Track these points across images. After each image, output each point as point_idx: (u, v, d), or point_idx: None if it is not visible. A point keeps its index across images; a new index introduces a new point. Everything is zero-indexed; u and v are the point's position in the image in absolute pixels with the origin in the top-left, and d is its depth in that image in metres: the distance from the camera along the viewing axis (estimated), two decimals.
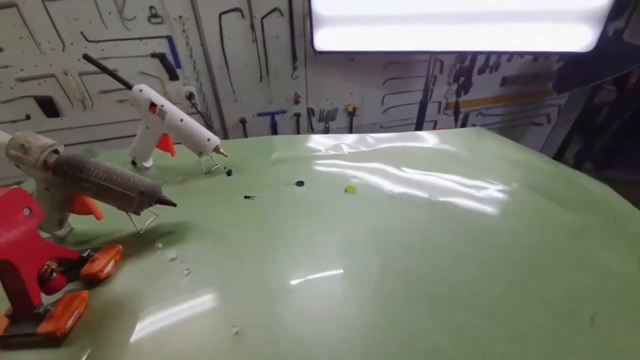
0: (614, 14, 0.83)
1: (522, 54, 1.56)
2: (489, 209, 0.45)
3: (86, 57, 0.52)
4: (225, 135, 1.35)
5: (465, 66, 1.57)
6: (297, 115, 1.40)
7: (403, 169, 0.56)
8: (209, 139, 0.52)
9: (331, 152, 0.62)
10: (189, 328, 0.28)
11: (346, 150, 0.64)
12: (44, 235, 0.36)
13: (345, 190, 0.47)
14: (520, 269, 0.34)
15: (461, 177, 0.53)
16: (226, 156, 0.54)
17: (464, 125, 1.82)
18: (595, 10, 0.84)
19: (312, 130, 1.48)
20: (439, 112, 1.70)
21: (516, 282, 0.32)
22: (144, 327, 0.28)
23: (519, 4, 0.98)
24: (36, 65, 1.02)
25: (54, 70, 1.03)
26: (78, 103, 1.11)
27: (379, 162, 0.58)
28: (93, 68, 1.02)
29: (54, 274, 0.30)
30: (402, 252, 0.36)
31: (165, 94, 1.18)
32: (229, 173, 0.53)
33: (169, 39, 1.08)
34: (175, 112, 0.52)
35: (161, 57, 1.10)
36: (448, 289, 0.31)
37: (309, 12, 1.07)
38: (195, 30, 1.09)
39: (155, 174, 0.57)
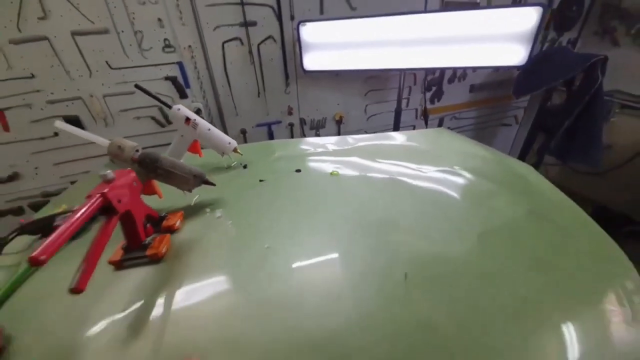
0: (538, 36, 1.06)
1: (471, 69, 1.80)
2: (432, 184, 0.64)
3: (137, 86, 0.71)
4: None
5: (435, 77, 1.81)
6: (291, 124, 1.60)
7: (377, 159, 0.75)
8: (229, 142, 0.71)
9: (319, 150, 0.81)
10: (234, 248, 0.45)
11: (331, 148, 0.83)
12: None
13: (331, 174, 0.65)
14: (451, 221, 0.53)
15: (416, 164, 0.72)
16: (242, 155, 0.73)
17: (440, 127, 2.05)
18: (523, 34, 1.07)
19: (304, 136, 1.67)
20: (416, 117, 1.92)
21: (451, 230, 0.51)
22: (204, 254, 0.45)
23: (466, 31, 1.22)
24: (65, 90, 1.19)
25: (81, 93, 1.21)
26: (101, 120, 1.28)
27: (356, 156, 0.77)
28: (115, 91, 1.23)
29: (148, 226, 0.47)
30: (371, 213, 0.55)
31: None
32: (245, 167, 0.71)
33: (180, 64, 1.27)
34: (204, 124, 0.71)
35: (173, 80, 1.29)
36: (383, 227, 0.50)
37: (298, 40, 1.29)
38: (202, 57, 1.29)
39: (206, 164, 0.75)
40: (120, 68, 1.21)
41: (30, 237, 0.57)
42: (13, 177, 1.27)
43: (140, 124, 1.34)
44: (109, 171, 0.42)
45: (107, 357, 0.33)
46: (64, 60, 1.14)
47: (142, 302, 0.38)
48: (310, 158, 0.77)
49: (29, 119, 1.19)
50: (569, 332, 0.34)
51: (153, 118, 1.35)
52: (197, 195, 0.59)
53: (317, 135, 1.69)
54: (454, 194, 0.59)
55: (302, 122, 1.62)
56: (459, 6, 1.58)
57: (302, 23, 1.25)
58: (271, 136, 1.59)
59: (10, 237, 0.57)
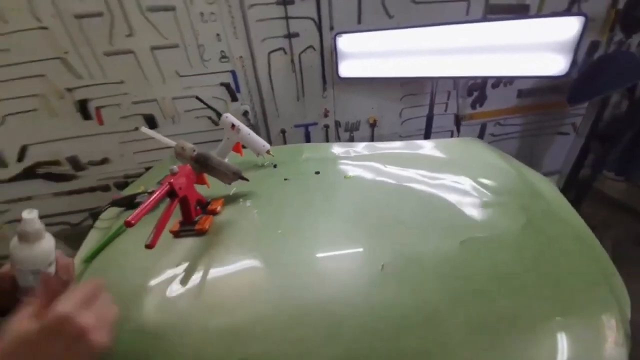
0: (580, 46, 1.02)
1: (508, 78, 1.71)
2: (440, 192, 0.70)
3: (197, 98, 0.89)
4: (269, 142, 1.71)
5: (477, 82, 1.77)
6: (326, 126, 1.72)
7: (393, 166, 0.83)
8: (264, 145, 0.86)
9: (343, 154, 0.92)
10: (256, 231, 0.59)
11: (353, 153, 0.93)
12: None
13: (344, 177, 0.76)
14: (447, 231, 0.60)
15: (432, 172, 0.78)
16: (273, 156, 0.87)
17: (481, 134, 1.98)
18: (564, 43, 1.04)
19: (338, 139, 1.79)
20: (454, 123, 1.90)
21: (441, 235, 0.59)
22: (236, 233, 0.60)
23: (506, 40, 1.20)
24: (145, 93, 1.47)
25: (156, 96, 1.48)
26: (169, 119, 1.55)
27: (375, 161, 0.86)
28: (182, 94, 1.45)
29: (197, 208, 0.64)
30: (371, 213, 0.65)
31: (228, 112, 1.58)
32: (275, 166, 0.86)
33: (233, 72, 1.48)
34: (245, 129, 0.87)
35: (226, 86, 1.50)
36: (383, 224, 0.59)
37: (334, 49, 1.40)
38: (251, 65, 1.47)
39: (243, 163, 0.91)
40: (186, 76, 1.45)
41: (118, 209, 0.79)
42: (104, 161, 1.61)
43: (199, 123, 1.58)
44: (174, 167, 0.59)
45: (162, 301, 0.49)
46: (144, 70, 1.41)
47: (188, 262, 0.54)
48: (333, 161, 0.88)
49: (118, 116, 1.50)
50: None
51: (209, 118, 1.58)
52: (235, 187, 0.75)
53: (351, 137, 1.79)
54: (460, 203, 0.64)
55: (337, 124, 1.73)
56: (505, 11, 1.52)
57: (338, 35, 1.36)
58: (308, 136, 1.74)
59: (105, 208, 0.80)
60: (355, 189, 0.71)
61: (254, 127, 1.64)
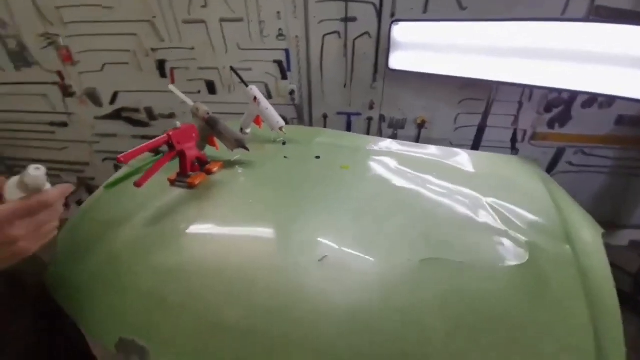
0: None
1: (609, 98, 1.35)
2: (440, 203, 0.63)
3: (232, 68, 0.95)
4: (310, 125, 1.74)
5: (560, 97, 1.47)
6: (370, 119, 1.66)
7: (400, 166, 0.77)
8: (278, 122, 0.88)
9: (357, 146, 0.89)
10: (235, 196, 0.63)
11: (371, 147, 0.89)
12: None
13: (341, 167, 0.74)
14: (426, 246, 0.55)
15: (442, 181, 0.71)
16: (285, 133, 0.89)
17: (555, 160, 1.67)
18: None
19: (380, 134, 1.71)
20: (522, 140, 1.63)
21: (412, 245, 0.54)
22: (219, 194, 0.65)
23: (612, 48, 0.96)
24: (210, 61, 1.63)
25: (218, 65, 1.63)
26: (226, 87, 1.69)
27: (388, 157, 0.81)
28: (239, 66, 1.55)
29: (195, 164, 0.70)
30: (350, 207, 0.62)
31: (277, 89, 1.65)
32: (284, 143, 0.88)
33: (287, 51, 1.52)
34: (265, 103, 0.90)
35: (279, 63, 1.56)
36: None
37: (388, 37, 1.32)
38: (305, 46, 1.50)
39: (248, 137, 0.97)
40: (245, 49, 1.56)
41: (150, 154, 0.91)
42: (171, 115, 1.86)
43: None
44: (178, 122, 0.65)
45: (131, 229, 0.56)
46: (212, 39, 1.56)
47: (174, 209, 0.60)
48: (342, 150, 0.86)
49: (186, 78, 1.70)
50: None
51: None
52: (239, 155, 0.79)
53: (394, 134, 1.70)
54: (460, 221, 0.57)
55: (382, 118, 1.66)
56: (614, 15, 1.21)
57: (395, 22, 1.27)
58: (349, 126, 1.71)
59: None
60: (347, 181, 0.69)
61: (298, 108, 1.68)
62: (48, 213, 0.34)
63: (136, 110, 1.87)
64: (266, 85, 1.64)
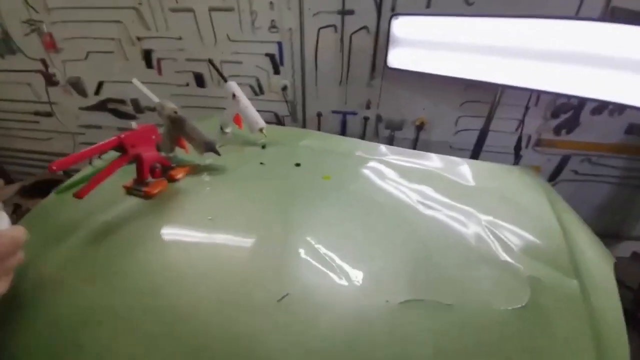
0: None
1: (620, 106, 1.24)
2: (428, 221, 0.55)
3: (210, 61, 0.87)
4: (303, 123, 1.66)
5: (569, 102, 1.38)
6: (366, 118, 1.57)
7: (389, 177, 0.69)
8: (257, 122, 0.80)
9: (346, 151, 0.80)
10: (194, 210, 0.55)
11: (360, 153, 0.80)
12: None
13: (322, 177, 0.66)
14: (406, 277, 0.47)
15: (436, 194, 0.63)
16: (266, 136, 0.81)
17: (560, 168, 1.58)
18: None
19: (377, 134, 1.62)
20: (526, 146, 1.54)
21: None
22: (179, 205, 0.57)
23: (628, 52, 0.87)
24: (198, 52, 1.54)
25: (206, 56, 1.53)
26: (216, 81, 1.60)
27: (380, 165, 0.72)
28: (229, 59, 1.45)
29: (156, 170, 0.62)
30: (319, 218, 0.54)
31: (269, 84, 1.56)
32: (263, 147, 0.80)
33: (279, 44, 1.43)
34: (244, 102, 0.82)
35: (271, 57, 1.47)
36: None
37: (387, 32, 1.22)
38: (298, 39, 1.40)
39: (226, 137, 0.88)
40: (235, 41, 1.46)
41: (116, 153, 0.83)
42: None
43: (242, 89, 1.60)
44: (134, 123, 0.57)
45: (78, 261, 0.48)
46: (201, 29, 1.47)
47: (120, 227, 0.52)
48: (327, 156, 0.77)
49: (173, 70, 1.61)
50: None
51: (251, 87, 1.58)
52: (211, 159, 0.71)
53: (392, 135, 1.61)
54: (451, 246, 0.50)
55: (378, 118, 1.57)
56: (633, 17, 1.11)
57: (395, 16, 1.17)
58: (344, 125, 1.62)
59: None
60: (326, 195, 0.61)
61: (291, 105, 1.60)
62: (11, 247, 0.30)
63: (122, 102, 1.79)
64: (257, 80, 1.55)
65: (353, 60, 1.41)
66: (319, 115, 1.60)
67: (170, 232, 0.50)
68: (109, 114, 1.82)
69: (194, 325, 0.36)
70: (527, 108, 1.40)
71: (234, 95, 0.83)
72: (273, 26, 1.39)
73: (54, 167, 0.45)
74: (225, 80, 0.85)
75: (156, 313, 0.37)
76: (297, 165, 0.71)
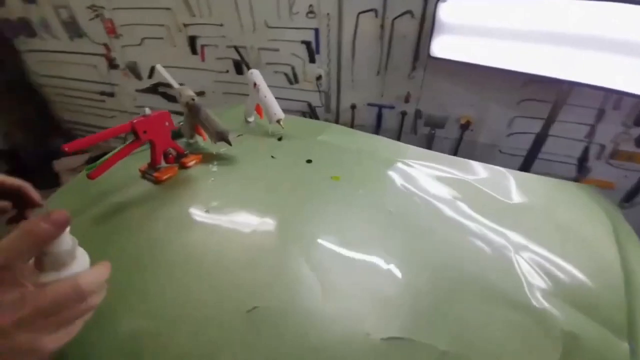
0: None
1: None
2: (458, 243, 0.47)
3: (235, 48, 0.85)
4: (337, 115, 1.60)
5: None
6: (404, 113, 1.46)
7: (409, 184, 0.61)
8: (275, 113, 0.77)
9: (369, 149, 0.73)
10: (198, 200, 0.54)
11: (379, 154, 0.73)
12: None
13: (331, 178, 0.61)
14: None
15: (456, 206, 0.54)
16: (283, 128, 0.78)
17: (638, 189, 1.30)
18: None
19: (415, 131, 1.50)
20: (597, 157, 1.30)
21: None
22: (185, 192, 0.57)
23: None
24: (238, 39, 1.55)
25: (245, 43, 1.54)
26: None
27: (396, 169, 0.65)
28: (266, 46, 1.44)
29: (170, 156, 0.63)
30: (329, 232, 0.50)
31: (304, 72, 1.52)
32: (279, 139, 0.77)
33: (316, 31, 1.37)
34: (264, 91, 0.79)
35: (307, 44, 1.42)
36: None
37: (432, 16, 1.09)
38: (336, 26, 1.33)
39: (249, 127, 0.87)
40: (273, 27, 1.44)
41: None
42: (200, 94, 1.85)
43: (277, 78, 1.59)
44: (147, 109, 0.58)
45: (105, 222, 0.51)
46: (241, 15, 1.47)
47: (124, 210, 0.54)
48: (343, 153, 0.72)
49: (215, 56, 1.65)
50: None
51: (286, 75, 1.56)
52: (223, 149, 0.70)
53: (432, 134, 1.47)
54: (467, 279, 0.41)
55: (418, 114, 1.44)
56: None
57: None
58: (379, 119, 1.52)
59: None
60: (332, 197, 0.56)
61: (325, 95, 1.54)
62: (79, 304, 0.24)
63: (170, 86, 1.90)
64: (292, 68, 1.52)
65: (394, 48, 1.30)
66: (353, 107, 1.53)
67: (164, 220, 0.50)
68: (160, 97, 1.96)
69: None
70: (601, 111, 1.16)
71: (255, 84, 0.80)
72: (311, 11, 1.33)
73: (66, 149, 0.47)
74: (249, 68, 0.83)
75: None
76: (309, 161, 0.66)
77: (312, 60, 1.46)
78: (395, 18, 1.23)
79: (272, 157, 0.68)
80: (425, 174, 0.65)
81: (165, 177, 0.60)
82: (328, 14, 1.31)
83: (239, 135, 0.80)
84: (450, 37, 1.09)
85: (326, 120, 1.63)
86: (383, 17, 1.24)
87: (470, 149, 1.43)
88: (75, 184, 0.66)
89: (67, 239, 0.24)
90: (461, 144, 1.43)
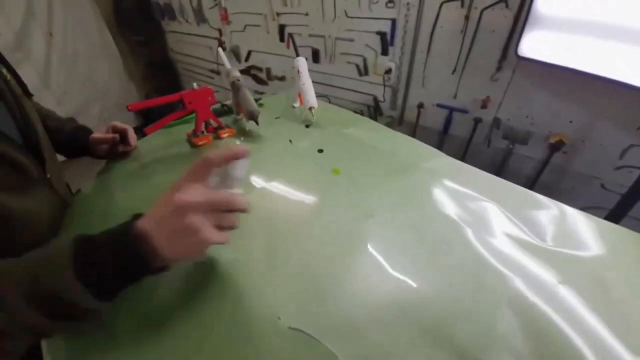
0: None
1: None
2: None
3: (290, 35, 0.91)
4: (401, 113, 1.51)
5: None
6: (478, 120, 1.27)
7: (411, 192, 0.56)
8: (308, 101, 0.80)
9: (402, 150, 0.69)
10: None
11: (407, 159, 0.68)
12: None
13: (332, 171, 0.61)
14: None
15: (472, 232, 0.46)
16: (313, 116, 0.80)
17: None
18: None
19: (488, 143, 1.29)
20: None
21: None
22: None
23: None
24: (319, 28, 1.62)
25: (324, 32, 1.60)
26: (328, 57, 1.66)
27: (420, 176, 0.60)
28: (343, 36, 1.47)
29: (210, 126, 0.75)
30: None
31: (374, 65, 1.49)
32: (307, 126, 0.80)
33: (393, 21, 1.31)
34: (304, 79, 0.82)
35: (382, 35, 1.37)
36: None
37: (528, 8, 0.89)
38: (415, 16, 1.24)
39: (293, 111, 0.92)
40: (352, 17, 1.44)
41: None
42: (282, 79, 2.02)
43: (348, 69, 1.60)
44: (195, 84, 0.70)
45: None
46: (324, 4, 1.52)
47: (167, 159, 0.68)
48: (362, 153, 0.68)
49: (297, 44, 1.77)
50: None
51: (357, 66, 1.55)
52: (259, 127, 0.78)
53: (510, 149, 1.24)
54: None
55: (496, 123, 1.23)
56: None
57: None
58: (448, 124, 1.37)
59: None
60: (322, 188, 0.56)
61: (393, 90, 1.48)
62: (230, 216, 0.32)
63: (260, 69, 2.14)
64: (364, 60, 1.50)
65: (477, 43, 1.13)
66: (420, 106, 1.41)
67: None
68: (250, 79, 2.23)
69: None
70: None
71: (298, 71, 0.85)
72: (390, 0, 1.27)
73: (129, 108, 0.62)
74: (298, 55, 0.88)
75: None
76: (320, 151, 0.68)
77: (384, 52, 1.41)
78: (485, 8, 1.06)
79: (290, 141, 0.72)
80: (443, 187, 0.56)
81: (200, 143, 0.72)
82: (408, 3, 1.23)
83: (276, 118, 0.87)
84: (549, 33, 0.88)
85: (389, 117, 1.56)
86: (470, 6, 1.09)
87: (558, 175, 1.15)
88: (150, 137, 0.85)
89: (239, 170, 0.33)
90: (546, 167, 1.16)
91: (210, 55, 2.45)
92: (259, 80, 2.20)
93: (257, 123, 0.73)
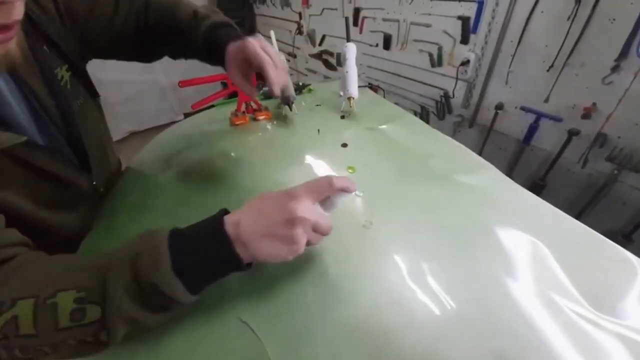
0: None
1: None
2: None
3: (346, 18, 0.86)
4: (475, 113, 1.31)
5: None
6: (575, 133, 1.01)
7: (423, 203, 0.48)
8: (348, 90, 0.75)
9: (415, 151, 0.61)
10: (246, 152, 0.66)
11: (434, 158, 0.59)
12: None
13: (347, 168, 0.57)
14: None
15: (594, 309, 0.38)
16: (351, 106, 0.75)
17: None
18: None
19: (584, 164, 1.02)
20: None
21: None
22: (245, 141, 0.70)
23: None
24: (394, 12, 1.49)
25: (399, 16, 1.47)
26: (400, 44, 1.53)
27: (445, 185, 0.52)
28: (419, 21, 1.37)
29: (249, 107, 0.78)
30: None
31: (450, 54, 1.31)
32: (342, 117, 0.76)
33: (480, 3, 1.11)
34: (348, 67, 0.77)
35: (464, 20, 1.19)
36: None
37: None
38: None
39: (338, 100, 0.88)
40: None
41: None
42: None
43: (420, 57, 1.45)
44: None
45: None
46: None
47: (209, 134, 0.74)
48: (391, 154, 0.61)
49: (369, 29, 1.68)
50: None
51: (430, 55, 1.39)
52: (294, 111, 0.78)
53: (615, 175, 0.96)
54: None
55: (600, 139, 0.96)
56: None
57: None
58: (531, 132, 1.13)
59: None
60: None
61: (468, 85, 1.28)
62: (320, 238, 0.34)
63: (331, 54, 2.12)
64: (439, 49, 1.33)
65: (588, 34, 0.88)
66: (499, 107, 1.19)
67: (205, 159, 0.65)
68: (321, 63, 2.24)
69: None
70: None
71: (345, 57, 0.80)
72: None
73: (180, 84, 0.69)
74: (349, 41, 0.83)
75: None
76: (344, 145, 0.64)
77: (464, 40, 1.22)
78: None
79: (318, 131, 0.70)
80: (473, 210, 0.46)
81: (237, 122, 0.76)
82: None
83: (317, 105, 0.85)
84: None
85: (459, 116, 1.37)
86: None
87: None
88: (198, 115, 0.93)
89: (341, 200, 0.35)
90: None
91: (289, 38, 2.54)
92: (329, 66, 2.19)
93: (290, 109, 0.73)
